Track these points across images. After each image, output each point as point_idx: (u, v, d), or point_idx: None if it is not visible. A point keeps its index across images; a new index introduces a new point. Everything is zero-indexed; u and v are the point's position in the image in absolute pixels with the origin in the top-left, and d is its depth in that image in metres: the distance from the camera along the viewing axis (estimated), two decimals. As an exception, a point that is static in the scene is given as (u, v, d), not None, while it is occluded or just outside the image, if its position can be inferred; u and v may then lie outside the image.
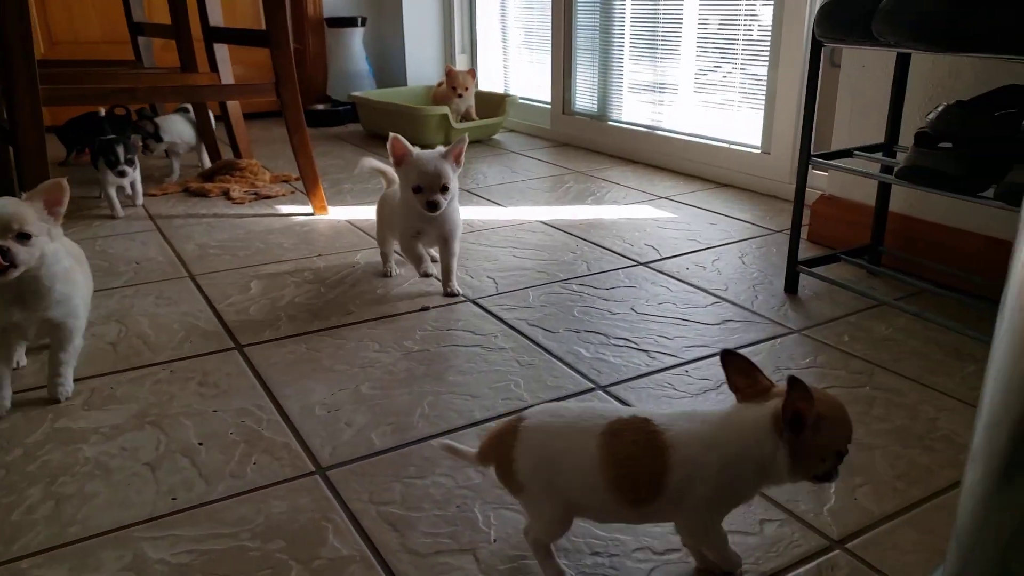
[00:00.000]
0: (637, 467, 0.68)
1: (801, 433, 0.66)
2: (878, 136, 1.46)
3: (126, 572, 0.76)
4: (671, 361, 1.20)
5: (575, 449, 0.69)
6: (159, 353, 1.23)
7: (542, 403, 0.90)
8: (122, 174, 1.98)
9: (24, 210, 0.99)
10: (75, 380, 1.12)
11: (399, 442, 0.99)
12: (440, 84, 3.03)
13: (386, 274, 1.56)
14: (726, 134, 2.28)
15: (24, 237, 0.98)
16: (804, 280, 1.48)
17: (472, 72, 2.91)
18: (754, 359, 1.17)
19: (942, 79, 1.44)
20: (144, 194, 2.14)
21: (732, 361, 0.73)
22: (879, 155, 1.40)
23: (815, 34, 1.26)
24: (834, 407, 0.69)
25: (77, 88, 1.88)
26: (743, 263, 1.62)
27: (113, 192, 2.00)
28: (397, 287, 1.50)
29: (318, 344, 1.26)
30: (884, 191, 1.49)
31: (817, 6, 1.48)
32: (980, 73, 1.37)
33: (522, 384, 1.13)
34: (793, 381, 0.65)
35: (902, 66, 1.39)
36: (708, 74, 2.35)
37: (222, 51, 2.34)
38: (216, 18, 2.30)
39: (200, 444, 0.98)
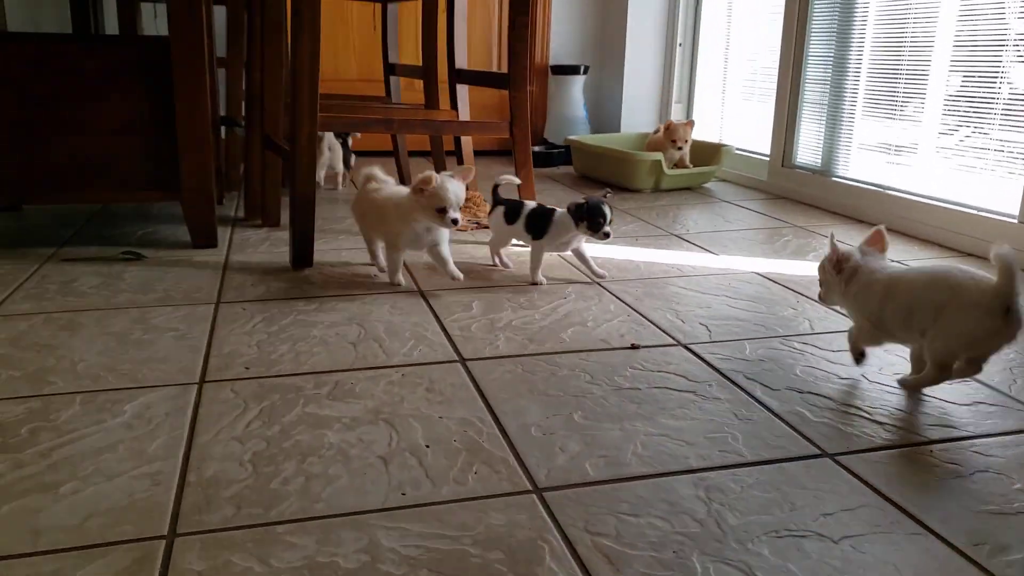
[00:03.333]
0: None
1: None
2: None
3: (363, 554, 0.82)
4: (914, 438, 1.10)
5: None
6: (392, 357, 1.33)
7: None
8: (607, 236, 1.65)
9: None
10: (321, 372, 1.24)
11: (612, 476, 0.98)
12: (656, 132, 3.05)
13: None
14: (972, 199, 2.08)
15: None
16: (1072, 369, 1.30)
17: (691, 123, 2.91)
18: (1015, 451, 1.05)
19: None
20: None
21: None
22: None
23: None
24: None
25: (346, 116, 2.10)
26: (993, 342, 1.45)
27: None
28: (607, 322, 1.51)
29: (532, 367, 1.30)
30: None
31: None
32: None
33: (740, 439, 1.08)
34: None
35: None
36: (953, 135, 2.17)
37: (463, 91, 2.52)
38: (461, 61, 2.49)
39: (427, 447, 1.04)
